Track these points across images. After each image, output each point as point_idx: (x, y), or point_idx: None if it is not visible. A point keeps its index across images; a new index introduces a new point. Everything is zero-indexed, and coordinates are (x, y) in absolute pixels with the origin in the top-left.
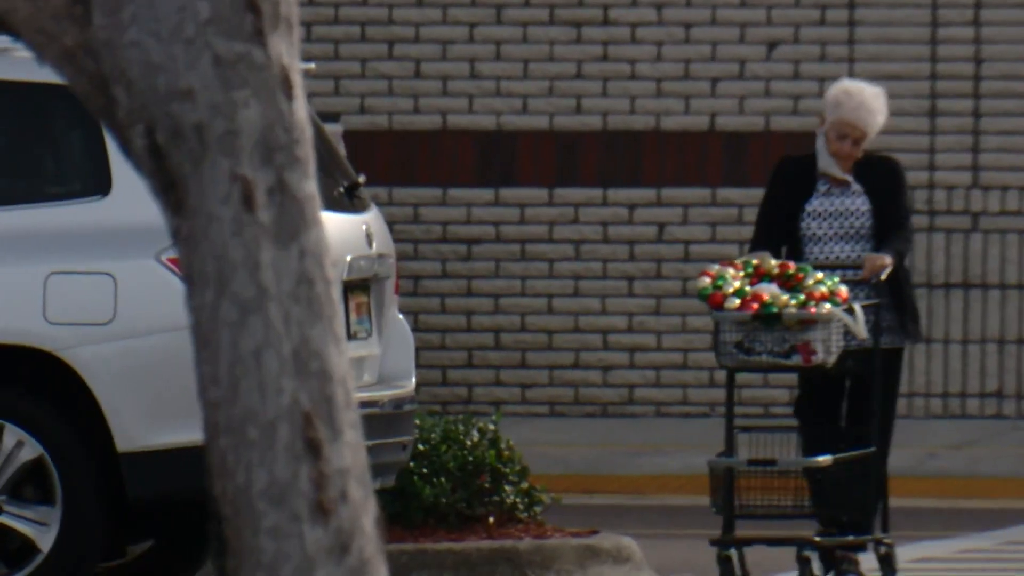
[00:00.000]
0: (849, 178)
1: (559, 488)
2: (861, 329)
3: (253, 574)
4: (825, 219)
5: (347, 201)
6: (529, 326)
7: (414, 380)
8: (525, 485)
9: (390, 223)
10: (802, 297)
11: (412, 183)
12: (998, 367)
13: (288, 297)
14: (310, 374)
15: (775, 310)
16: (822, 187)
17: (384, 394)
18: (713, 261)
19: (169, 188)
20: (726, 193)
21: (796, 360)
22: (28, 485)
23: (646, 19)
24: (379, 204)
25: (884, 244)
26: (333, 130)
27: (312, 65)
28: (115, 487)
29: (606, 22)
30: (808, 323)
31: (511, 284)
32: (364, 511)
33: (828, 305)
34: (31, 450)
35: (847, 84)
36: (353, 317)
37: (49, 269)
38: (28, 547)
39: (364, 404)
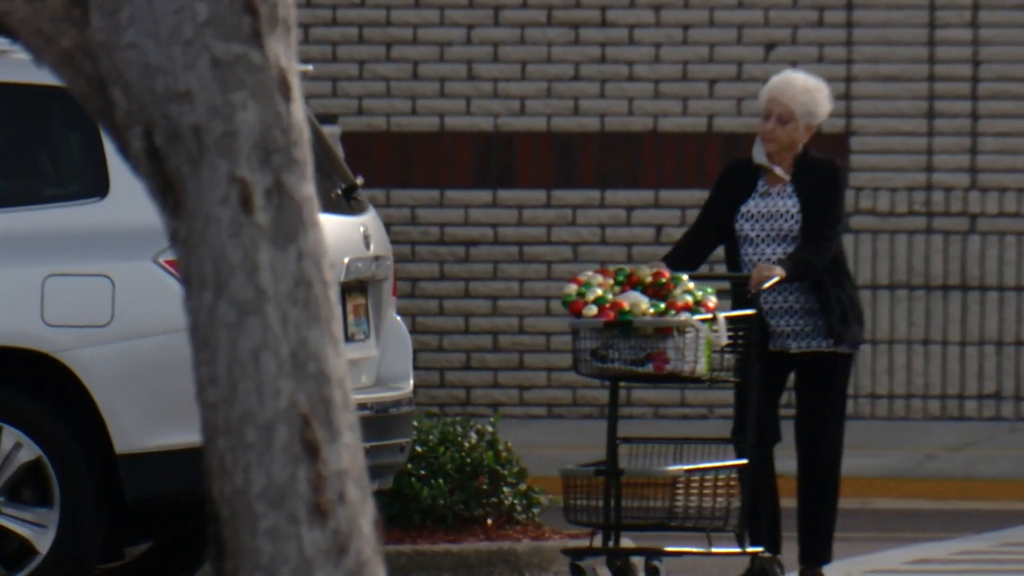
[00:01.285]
0: (777, 169)
1: (557, 490)
2: (722, 337)
3: None
4: (758, 220)
5: (345, 203)
6: (527, 328)
7: (412, 382)
8: (523, 487)
9: (388, 225)
10: (662, 306)
11: (410, 185)
12: (996, 369)
13: (286, 299)
14: (308, 376)
15: (630, 318)
16: (761, 187)
17: (382, 396)
18: (711, 263)
19: (167, 190)
20: None
21: (649, 368)
22: (26, 487)
23: (644, 21)
24: (377, 206)
25: (792, 252)
26: (331, 132)
27: (310, 67)
28: (113, 489)
29: (604, 23)
30: (664, 331)
31: (509, 286)
32: (362, 513)
33: (686, 314)
34: (29, 452)
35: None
36: (351, 319)
37: (47, 271)
38: (26, 549)
39: (362, 406)
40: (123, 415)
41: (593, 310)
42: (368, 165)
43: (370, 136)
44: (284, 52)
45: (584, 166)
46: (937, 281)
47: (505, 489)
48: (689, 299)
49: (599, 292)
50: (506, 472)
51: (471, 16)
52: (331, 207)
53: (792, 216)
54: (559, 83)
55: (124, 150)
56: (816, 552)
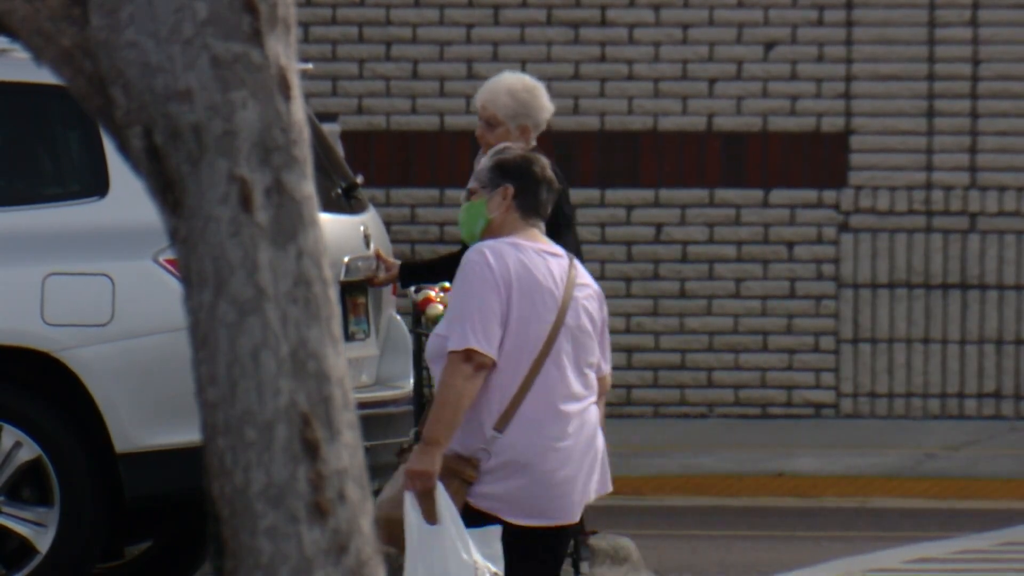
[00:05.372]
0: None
1: None
2: None
3: (251, 575)
4: None
5: (345, 202)
6: None
7: (412, 381)
8: None
9: (387, 224)
10: None
11: (410, 184)
12: (996, 368)
13: (286, 298)
14: (308, 375)
15: None
16: None
17: (382, 395)
18: (711, 262)
19: (167, 189)
20: (724, 194)
21: None
22: (26, 486)
23: (644, 20)
24: (377, 205)
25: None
26: (331, 131)
27: (310, 66)
28: (113, 488)
29: (604, 23)
30: None
31: None
32: (362, 512)
33: None
34: (29, 451)
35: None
36: (351, 318)
37: (47, 270)
38: (26, 548)
39: (362, 405)
40: (123, 414)
41: None
42: (368, 164)
43: (370, 135)
44: (284, 51)
45: (584, 165)
46: (937, 280)
47: None
48: None
49: None
50: None
51: (471, 16)
52: (331, 206)
53: None
54: (559, 82)
55: (124, 149)
56: None
